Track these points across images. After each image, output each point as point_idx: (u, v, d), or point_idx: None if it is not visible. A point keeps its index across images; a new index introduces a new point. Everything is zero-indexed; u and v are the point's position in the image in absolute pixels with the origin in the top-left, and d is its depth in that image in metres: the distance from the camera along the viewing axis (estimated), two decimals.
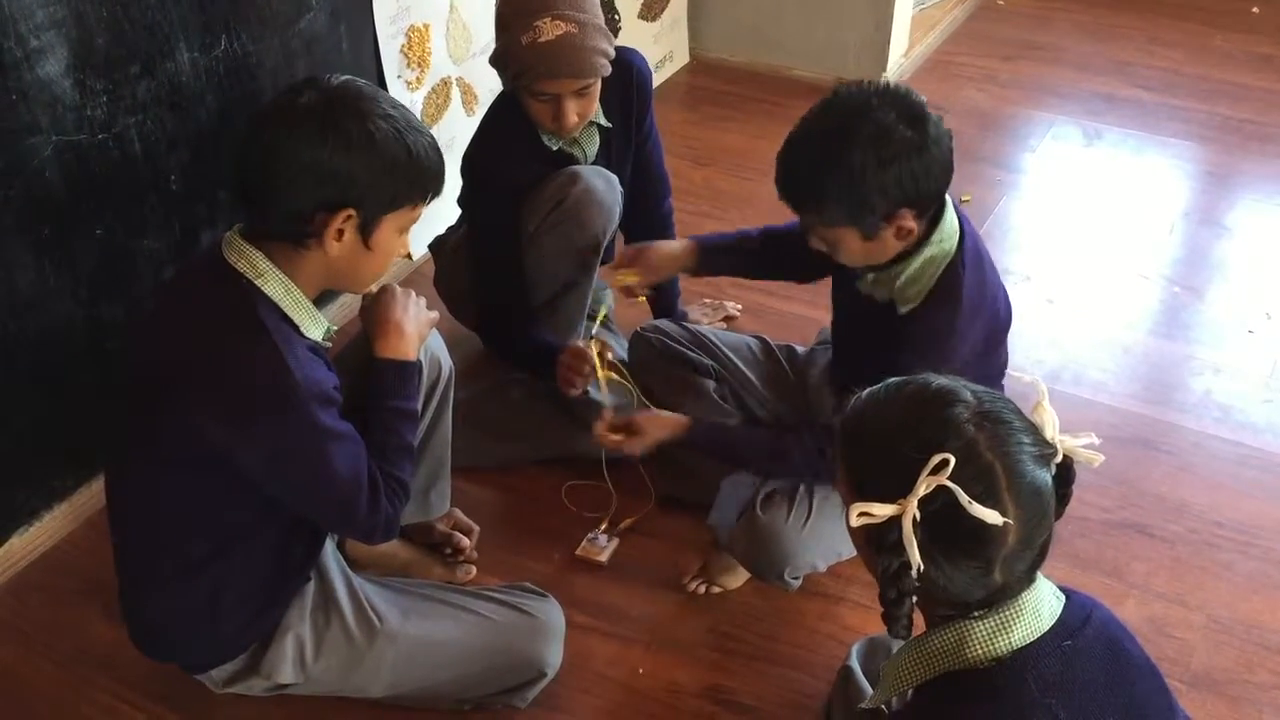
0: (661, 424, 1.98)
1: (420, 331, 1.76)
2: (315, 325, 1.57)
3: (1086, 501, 2.24)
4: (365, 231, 1.52)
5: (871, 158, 1.63)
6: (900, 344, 1.78)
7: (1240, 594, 2.10)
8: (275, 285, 1.51)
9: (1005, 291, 1.91)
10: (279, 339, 1.48)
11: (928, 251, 1.75)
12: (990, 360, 1.92)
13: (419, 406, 1.73)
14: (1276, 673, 1.96)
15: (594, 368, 2.09)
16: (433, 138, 1.55)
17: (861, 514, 1.12)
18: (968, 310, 1.76)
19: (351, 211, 1.48)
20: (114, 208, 2.05)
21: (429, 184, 1.55)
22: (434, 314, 1.81)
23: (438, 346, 1.93)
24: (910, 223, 1.69)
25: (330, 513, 1.61)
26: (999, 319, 1.89)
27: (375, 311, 1.74)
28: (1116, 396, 2.58)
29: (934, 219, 1.75)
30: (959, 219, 1.79)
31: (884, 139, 1.63)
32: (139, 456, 1.60)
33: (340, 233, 1.50)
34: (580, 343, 2.15)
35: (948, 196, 1.77)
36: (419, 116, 2.73)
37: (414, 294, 1.79)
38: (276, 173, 1.46)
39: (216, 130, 2.18)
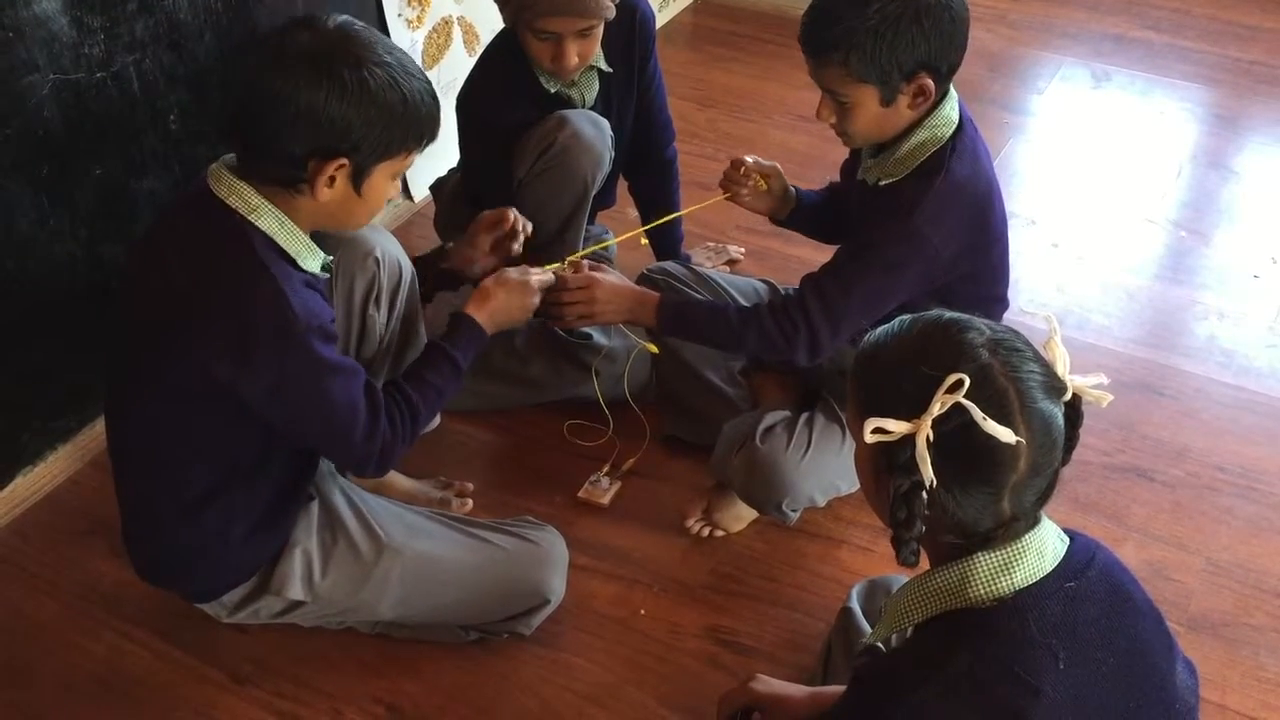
0: (622, 298, 1.93)
1: (508, 317, 1.80)
2: (312, 257, 1.56)
3: (1087, 445, 2.23)
4: (357, 179, 1.50)
5: (909, 8, 1.65)
6: (875, 214, 1.81)
7: (1239, 538, 2.11)
8: (270, 220, 1.50)
9: (1002, 205, 1.90)
10: (277, 273, 1.48)
11: (919, 135, 1.77)
12: (980, 279, 1.91)
13: (465, 370, 1.75)
14: (1274, 616, 1.97)
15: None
16: (428, 81, 1.52)
17: (876, 429, 1.11)
18: (946, 190, 1.76)
19: (344, 160, 1.47)
20: (113, 147, 2.04)
21: (424, 131, 1.53)
22: (529, 310, 1.83)
23: (397, 251, 1.90)
24: (930, 83, 1.70)
25: (327, 441, 1.62)
26: (988, 222, 1.86)
27: (489, 278, 1.81)
28: (1120, 341, 2.58)
29: (935, 104, 1.76)
30: (962, 117, 1.80)
31: None
32: (142, 393, 1.60)
33: (332, 179, 1.48)
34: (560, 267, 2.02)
35: (953, 89, 1.79)
36: (419, 57, 2.74)
37: (533, 289, 1.81)
38: (270, 118, 1.43)
39: (216, 69, 2.16)
